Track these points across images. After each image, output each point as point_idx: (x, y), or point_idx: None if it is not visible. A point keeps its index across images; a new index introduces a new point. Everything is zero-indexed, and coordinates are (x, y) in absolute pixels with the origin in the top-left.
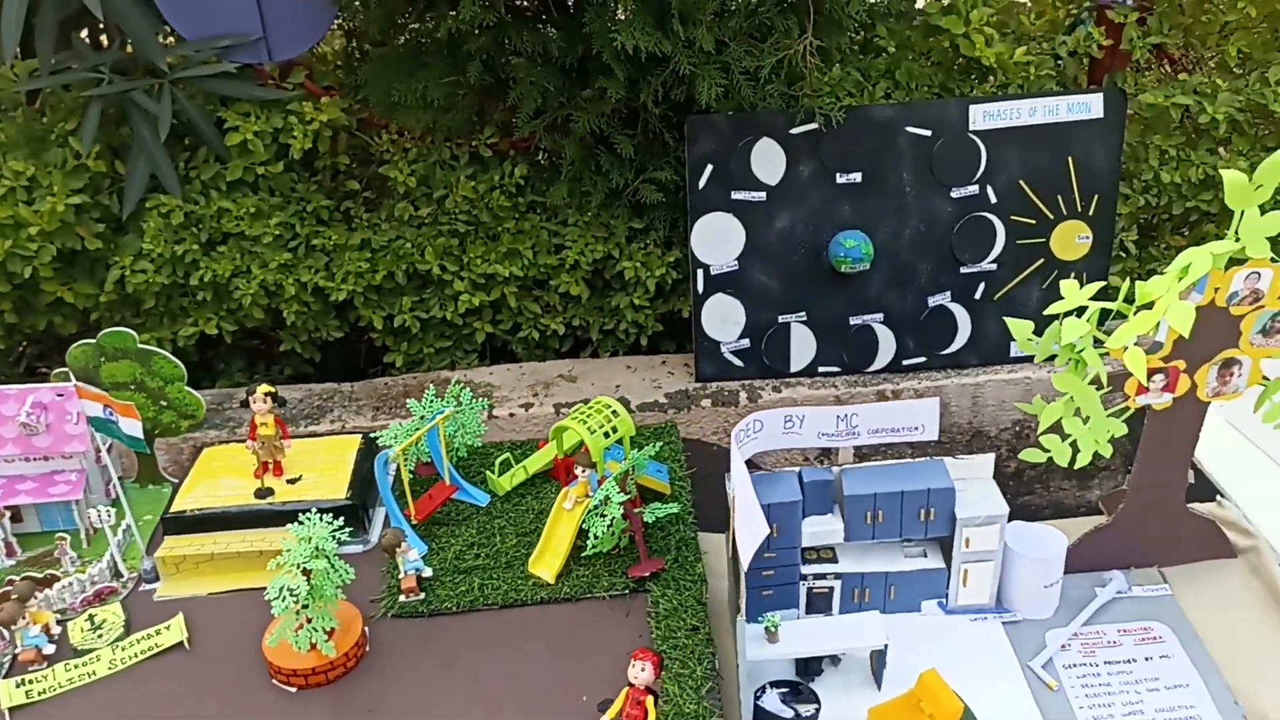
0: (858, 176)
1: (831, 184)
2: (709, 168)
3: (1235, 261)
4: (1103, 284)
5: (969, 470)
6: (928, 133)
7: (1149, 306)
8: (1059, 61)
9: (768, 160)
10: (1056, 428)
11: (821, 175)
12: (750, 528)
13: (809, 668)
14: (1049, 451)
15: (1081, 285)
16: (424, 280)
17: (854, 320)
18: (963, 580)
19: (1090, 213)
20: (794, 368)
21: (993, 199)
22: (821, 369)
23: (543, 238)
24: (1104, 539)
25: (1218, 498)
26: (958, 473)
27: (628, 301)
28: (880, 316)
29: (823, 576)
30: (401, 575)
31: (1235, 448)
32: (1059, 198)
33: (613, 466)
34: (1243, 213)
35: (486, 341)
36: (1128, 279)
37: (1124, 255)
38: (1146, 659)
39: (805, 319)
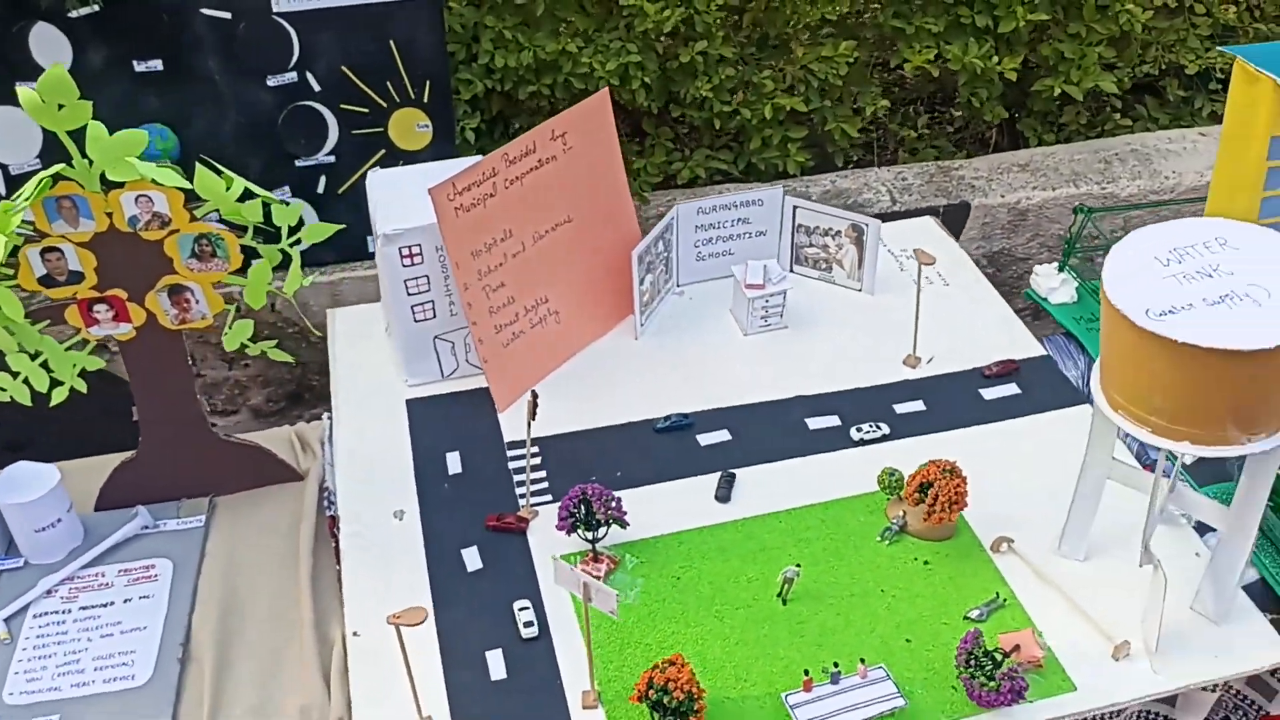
0: (158, 64)
1: (130, 73)
2: None
3: (117, 185)
4: None
5: None
6: (228, 15)
7: None
8: None
9: (49, 47)
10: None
11: (118, 64)
12: None
13: None
14: (5, 390)
15: None
16: None
17: None
18: None
19: (425, 99)
20: None
21: (316, 87)
22: None
23: None
24: (138, 474)
25: None
26: None
27: None
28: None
29: None
30: None
31: None
32: (389, 84)
33: None
34: (81, 130)
35: None
36: None
37: (468, 144)
38: (127, 600)
39: None
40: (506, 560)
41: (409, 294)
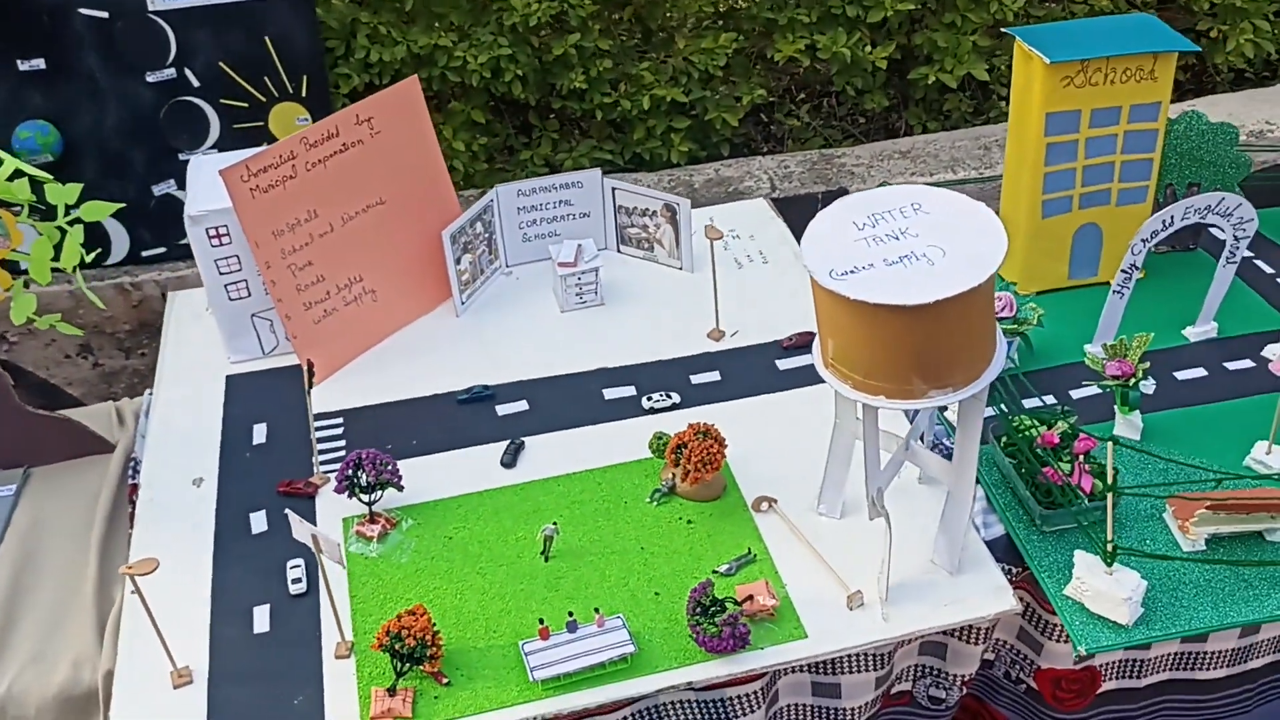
0: (41, 63)
1: (14, 72)
2: None
3: None
4: None
5: None
6: (105, 14)
7: None
8: None
9: None
10: None
11: (1, 63)
12: None
13: None
14: None
15: None
16: None
17: None
18: None
19: (304, 94)
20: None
21: (195, 83)
22: None
23: None
24: None
25: None
26: None
27: None
28: None
29: None
30: None
31: None
32: (267, 79)
33: None
34: None
35: None
36: None
37: None
38: None
39: None
40: None
41: (221, 273)
